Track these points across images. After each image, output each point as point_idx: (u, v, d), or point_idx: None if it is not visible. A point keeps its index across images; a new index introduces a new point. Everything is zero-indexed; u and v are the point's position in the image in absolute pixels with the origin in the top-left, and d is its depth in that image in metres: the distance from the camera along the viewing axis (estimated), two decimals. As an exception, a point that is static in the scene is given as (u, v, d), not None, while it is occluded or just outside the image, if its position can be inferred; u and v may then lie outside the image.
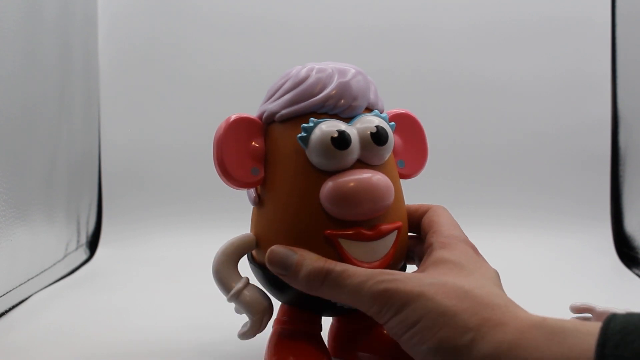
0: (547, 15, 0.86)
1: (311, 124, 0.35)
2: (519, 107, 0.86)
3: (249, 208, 0.40)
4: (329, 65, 0.37)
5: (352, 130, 0.35)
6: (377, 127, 0.35)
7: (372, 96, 0.37)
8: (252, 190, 0.38)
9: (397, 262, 0.37)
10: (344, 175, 0.34)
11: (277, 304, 0.39)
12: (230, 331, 0.42)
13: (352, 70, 0.37)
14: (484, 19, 0.86)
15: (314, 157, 0.35)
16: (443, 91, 0.85)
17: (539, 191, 0.84)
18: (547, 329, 0.27)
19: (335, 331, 0.40)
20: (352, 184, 0.34)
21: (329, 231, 0.35)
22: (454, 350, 0.28)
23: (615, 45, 0.84)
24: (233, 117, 0.37)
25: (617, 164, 0.84)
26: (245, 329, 0.38)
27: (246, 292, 0.37)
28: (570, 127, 0.85)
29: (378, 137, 0.35)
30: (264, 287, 0.38)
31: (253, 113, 0.38)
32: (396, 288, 0.30)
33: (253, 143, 0.37)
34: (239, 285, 0.37)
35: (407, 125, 0.40)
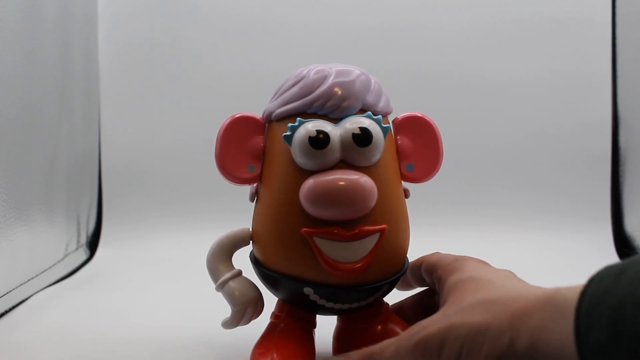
0: (547, 15, 0.86)
1: (296, 124, 0.36)
2: (519, 107, 0.86)
3: (249, 208, 0.40)
4: (331, 66, 0.37)
5: (336, 130, 0.35)
6: (360, 128, 0.35)
7: (369, 97, 0.37)
8: (253, 187, 0.39)
9: (382, 265, 0.37)
10: (322, 175, 0.35)
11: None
12: (231, 331, 0.42)
13: (353, 72, 0.37)
14: (484, 19, 0.86)
15: (297, 156, 0.36)
16: (443, 91, 0.85)
17: (539, 191, 0.84)
18: (558, 305, 0.27)
19: (338, 331, 0.40)
20: (325, 184, 0.34)
21: (305, 229, 0.35)
22: (501, 358, 0.28)
23: (615, 45, 0.84)
24: (236, 115, 0.38)
25: (617, 164, 0.83)
26: (228, 319, 0.39)
27: (232, 284, 0.38)
28: (570, 127, 0.85)
29: (360, 138, 0.35)
30: (261, 282, 0.39)
31: (255, 112, 0.39)
32: (426, 334, 0.31)
33: (253, 141, 0.38)
34: (226, 275, 0.38)
35: (419, 128, 0.39)
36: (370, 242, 0.36)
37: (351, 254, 0.35)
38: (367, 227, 0.35)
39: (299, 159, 0.35)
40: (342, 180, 0.34)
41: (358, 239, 0.35)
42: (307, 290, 0.36)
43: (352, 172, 0.35)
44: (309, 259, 0.36)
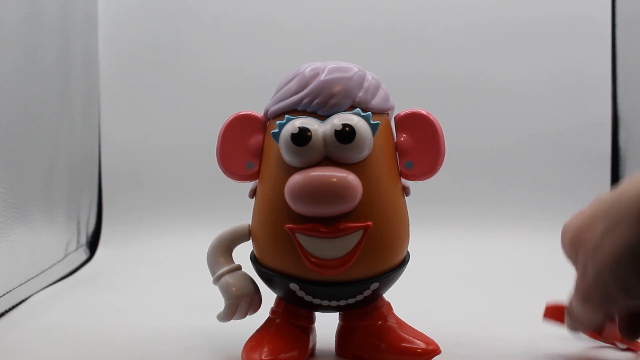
0: (547, 16, 0.86)
1: (284, 121, 0.36)
2: (519, 107, 0.86)
3: (248, 208, 0.40)
4: (326, 64, 0.37)
5: (321, 127, 0.36)
6: (344, 124, 0.35)
7: (361, 94, 0.37)
8: (254, 184, 0.40)
9: (368, 262, 0.36)
10: (304, 171, 0.35)
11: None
12: (233, 331, 0.42)
13: (346, 68, 0.37)
14: (485, 21, 0.86)
15: (283, 153, 0.36)
16: (443, 93, 0.85)
17: (540, 191, 0.84)
18: None
19: (340, 329, 0.40)
20: (303, 180, 0.35)
21: (288, 225, 0.36)
22: None
23: (615, 45, 0.84)
24: (238, 113, 0.39)
25: (617, 164, 0.83)
26: (222, 312, 0.39)
27: (227, 277, 0.39)
28: (570, 128, 0.85)
29: (342, 135, 0.35)
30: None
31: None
32: None
33: (253, 139, 0.39)
34: (223, 269, 0.39)
35: (419, 125, 0.38)
36: (353, 239, 0.36)
37: (333, 250, 0.36)
38: (349, 224, 0.35)
39: (285, 156, 0.36)
40: (319, 177, 0.35)
41: (339, 235, 0.35)
42: (293, 286, 0.37)
43: (333, 169, 0.35)
44: (293, 255, 0.36)
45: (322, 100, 0.36)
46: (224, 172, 0.39)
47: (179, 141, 0.86)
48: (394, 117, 0.39)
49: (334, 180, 0.34)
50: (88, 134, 0.83)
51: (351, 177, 0.35)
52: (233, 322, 0.40)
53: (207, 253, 0.40)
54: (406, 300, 0.42)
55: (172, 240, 0.79)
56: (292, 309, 0.39)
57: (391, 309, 0.40)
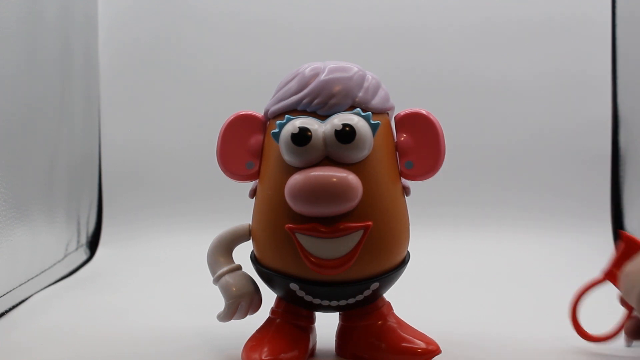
0: (547, 15, 0.86)
1: (284, 121, 0.36)
2: (519, 107, 0.86)
3: (248, 208, 0.40)
4: (326, 64, 0.38)
5: (322, 127, 0.36)
6: (344, 124, 0.35)
7: (361, 94, 0.37)
8: (254, 184, 0.40)
9: (369, 262, 0.36)
10: (304, 171, 0.35)
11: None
12: (233, 331, 0.42)
13: (346, 68, 0.37)
14: (484, 20, 0.86)
15: (283, 153, 0.36)
16: (442, 92, 0.85)
17: (539, 191, 0.84)
18: None
19: (340, 329, 0.41)
20: (302, 180, 0.35)
21: (288, 225, 0.36)
22: None
23: (615, 45, 0.84)
24: (238, 113, 0.39)
25: (617, 164, 0.83)
26: (222, 312, 0.39)
27: (227, 277, 0.39)
28: (570, 127, 0.85)
29: (342, 135, 0.35)
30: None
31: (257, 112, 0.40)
32: None
33: (253, 138, 0.39)
34: (223, 269, 0.39)
35: (419, 125, 0.38)
36: (353, 239, 0.36)
37: (333, 250, 0.35)
38: (349, 224, 0.35)
39: (285, 155, 0.36)
40: (319, 176, 0.35)
41: (339, 235, 0.35)
42: (293, 286, 0.37)
43: (333, 168, 0.35)
44: (293, 255, 0.36)
45: (322, 100, 0.36)
46: (224, 172, 0.39)
47: (179, 141, 0.86)
48: (394, 117, 0.39)
49: (334, 180, 0.35)
50: (88, 134, 0.83)
51: (351, 177, 0.35)
52: (233, 322, 0.40)
53: (207, 253, 0.40)
54: (406, 300, 0.42)
55: (172, 240, 0.79)
56: (292, 309, 0.39)
57: (391, 308, 0.40)
